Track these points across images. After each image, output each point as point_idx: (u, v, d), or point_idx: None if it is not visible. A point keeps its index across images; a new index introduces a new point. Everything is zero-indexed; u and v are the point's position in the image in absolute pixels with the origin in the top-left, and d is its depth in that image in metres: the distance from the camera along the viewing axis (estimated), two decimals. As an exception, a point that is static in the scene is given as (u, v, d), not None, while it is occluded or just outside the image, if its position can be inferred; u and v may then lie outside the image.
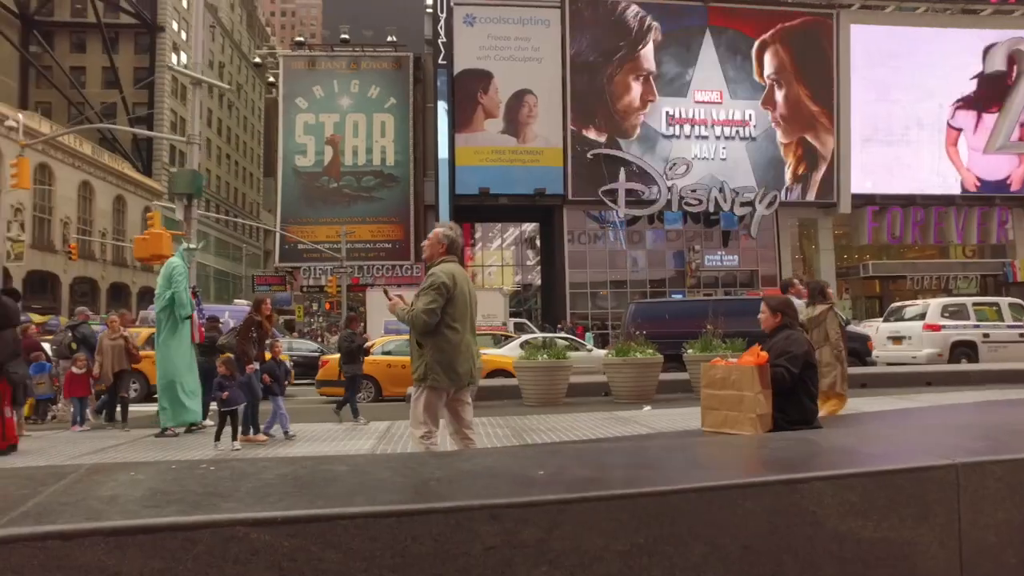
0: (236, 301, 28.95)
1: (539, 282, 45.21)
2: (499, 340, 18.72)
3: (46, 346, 10.48)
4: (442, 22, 36.28)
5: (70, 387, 8.83)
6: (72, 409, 9.04)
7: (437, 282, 4.03)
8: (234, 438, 7.24)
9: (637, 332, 12.29)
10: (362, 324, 15.55)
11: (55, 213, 40.76)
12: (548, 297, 41.23)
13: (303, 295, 40.77)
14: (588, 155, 36.89)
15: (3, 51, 45.48)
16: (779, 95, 38.68)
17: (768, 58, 38.70)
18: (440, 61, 36.03)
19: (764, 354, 4.01)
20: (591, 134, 37.13)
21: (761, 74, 38.72)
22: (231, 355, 7.48)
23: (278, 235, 38.80)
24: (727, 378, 4.06)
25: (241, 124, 69.40)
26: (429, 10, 37.78)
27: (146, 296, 40.26)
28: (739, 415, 3.94)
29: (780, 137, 38.63)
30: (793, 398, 4.06)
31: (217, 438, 7.20)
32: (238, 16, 70.03)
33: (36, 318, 21.06)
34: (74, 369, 8.83)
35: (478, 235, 46.45)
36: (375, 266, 39.07)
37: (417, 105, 39.56)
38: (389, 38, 39.82)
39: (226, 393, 7.10)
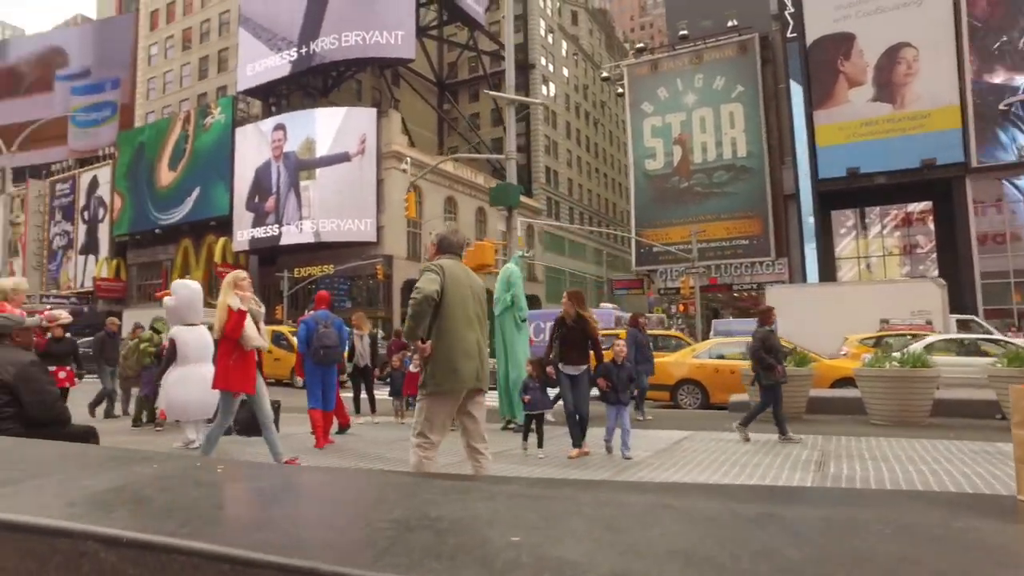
0: (602, 305, 30.94)
1: (935, 272, 37.31)
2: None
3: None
4: (789, -9, 33.00)
5: (406, 385, 10.11)
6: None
7: (425, 269, 3.89)
8: (539, 445, 6.93)
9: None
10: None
11: (459, 236, 49.57)
12: (950, 290, 33.64)
13: (660, 297, 41.32)
14: (1000, 106, 29.05)
15: (427, 112, 57.51)
16: None
17: None
18: (789, 34, 32.73)
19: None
20: (998, 78, 29.21)
21: None
22: (539, 357, 7.34)
23: (633, 240, 40.10)
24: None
25: (607, 138, 74.29)
26: (774, -18, 34.79)
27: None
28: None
29: None
30: None
31: (525, 438, 7.07)
32: (597, 40, 75.18)
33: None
34: (412, 368, 9.81)
35: (850, 223, 40.61)
36: (732, 265, 37.44)
37: (767, 88, 36.63)
38: (729, 23, 37.76)
39: (527, 397, 6.84)
